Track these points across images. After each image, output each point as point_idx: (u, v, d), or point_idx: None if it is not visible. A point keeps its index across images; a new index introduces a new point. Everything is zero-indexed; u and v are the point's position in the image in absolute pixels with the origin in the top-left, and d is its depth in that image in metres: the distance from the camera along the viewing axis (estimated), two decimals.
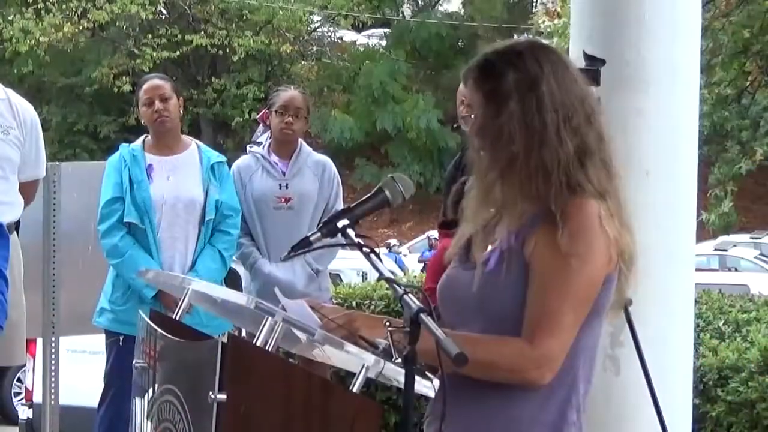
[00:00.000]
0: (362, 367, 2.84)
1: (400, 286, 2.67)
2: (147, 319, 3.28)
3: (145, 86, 6.07)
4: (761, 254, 24.37)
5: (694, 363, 4.76)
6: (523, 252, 2.79)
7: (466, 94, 5.59)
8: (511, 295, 2.78)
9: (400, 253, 26.11)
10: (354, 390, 2.86)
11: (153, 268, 5.65)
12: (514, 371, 2.74)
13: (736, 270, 21.93)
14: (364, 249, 2.82)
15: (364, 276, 14.90)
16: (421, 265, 23.26)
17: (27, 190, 5.71)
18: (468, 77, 2.91)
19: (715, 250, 23.29)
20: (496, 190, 2.87)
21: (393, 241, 27.00)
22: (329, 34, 38.46)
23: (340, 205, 6.33)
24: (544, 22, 21.37)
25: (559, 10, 20.77)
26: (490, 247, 2.86)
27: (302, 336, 3.00)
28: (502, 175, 2.84)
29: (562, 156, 2.79)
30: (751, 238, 26.20)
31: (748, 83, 19.61)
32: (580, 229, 2.75)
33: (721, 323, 7.48)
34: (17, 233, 5.64)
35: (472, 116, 2.89)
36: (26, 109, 5.66)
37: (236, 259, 6.45)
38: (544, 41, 2.99)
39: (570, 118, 2.81)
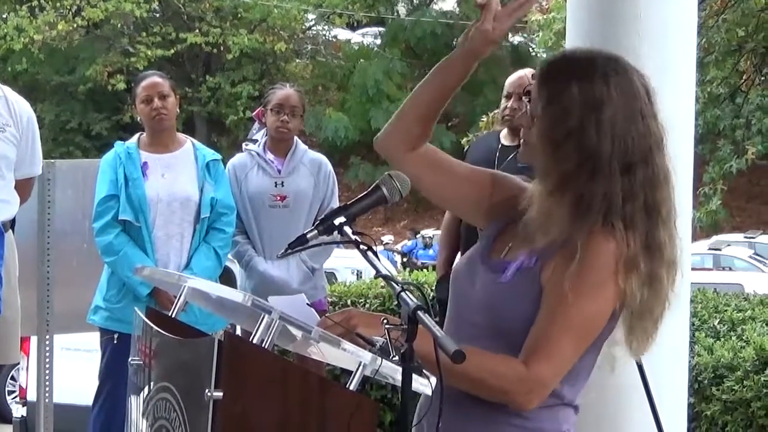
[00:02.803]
0: (359, 365, 2.83)
1: (397, 284, 2.66)
2: (143, 317, 3.27)
3: (143, 83, 6.06)
4: (755, 253, 24.42)
5: (690, 362, 4.76)
6: (541, 276, 2.76)
7: (513, 88, 5.61)
8: (521, 313, 2.75)
9: (394, 251, 26.18)
10: (351, 388, 2.86)
11: (148, 265, 5.64)
12: (503, 391, 2.71)
13: (730, 269, 21.95)
14: (362, 246, 2.81)
15: (359, 274, 14.91)
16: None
17: (23, 187, 5.70)
18: (538, 70, 2.85)
19: (710, 249, 23.32)
20: (543, 201, 2.81)
21: (388, 239, 27.01)
22: (324, 32, 38.46)
23: (335, 204, 6.32)
24: (537, 18, 21.36)
25: (549, 5, 20.77)
26: (508, 256, 2.84)
27: (298, 334, 3.00)
28: (550, 194, 2.78)
29: (608, 191, 2.72)
30: (745, 237, 26.25)
31: (741, 81, 19.60)
32: (594, 266, 2.70)
33: (716, 322, 7.49)
34: (13, 231, 5.63)
35: (530, 112, 2.82)
36: (23, 106, 5.64)
37: (231, 257, 6.44)
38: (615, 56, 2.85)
39: (625, 153, 2.73)
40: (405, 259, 25.77)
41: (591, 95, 2.74)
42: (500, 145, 5.73)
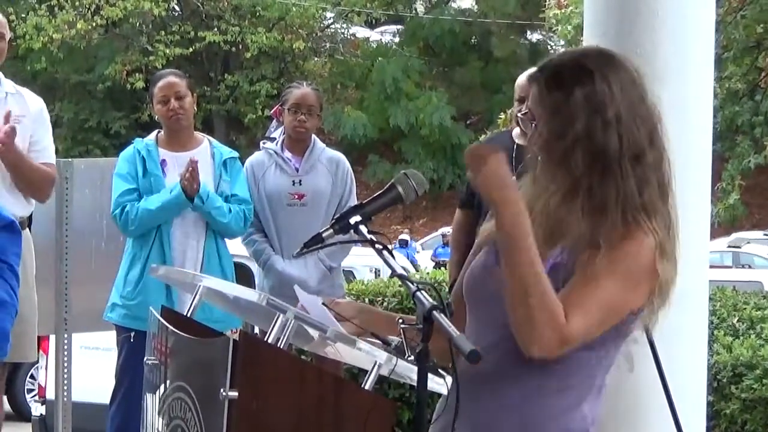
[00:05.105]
0: (375, 365, 2.82)
1: (413, 283, 2.65)
2: (158, 316, 3.27)
3: (160, 83, 6.05)
4: None
5: (708, 360, 4.74)
6: (574, 270, 2.73)
7: (524, 92, 5.60)
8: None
9: (412, 245, 26.17)
10: (366, 387, 2.84)
11: (166, 196, 5.78)
12: (538, 326, 2.64)
13: (749, 267, 21.84)
14: (377, 246, 2.80)
15: (377, 273, 14.88)
16: (433, 263, 23.26)
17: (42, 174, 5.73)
18: (534, 83, 2.85)
19: (729, 247, 23.19)
20: (557, 209, 2.80)
21: (404, 236, 27.02)
22: (342, 30, 38.47)
23: (353, 202, 6.30)
24: (555, 14, 21.37)
25: (567, 0, 20.81)
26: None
27: (314, 333, 2.99)
28: (564, 197, 2.78)
29: (621, 188, 2.73)
30: (765, 234, 26.13)
31: (760, 78, 19.56)
32: (633, 264, 2.71)
33: (735, 320, 7.45)
34: (29, 230, 5.64)
35: (533, 124, 2.83)
36: (36, 101, 5.70)
37: (249, 255, 6.44)
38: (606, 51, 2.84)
39: (633, 144, 2.75)
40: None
41: (594, 98, 2.75)
42: (516, 145, 5.70)
